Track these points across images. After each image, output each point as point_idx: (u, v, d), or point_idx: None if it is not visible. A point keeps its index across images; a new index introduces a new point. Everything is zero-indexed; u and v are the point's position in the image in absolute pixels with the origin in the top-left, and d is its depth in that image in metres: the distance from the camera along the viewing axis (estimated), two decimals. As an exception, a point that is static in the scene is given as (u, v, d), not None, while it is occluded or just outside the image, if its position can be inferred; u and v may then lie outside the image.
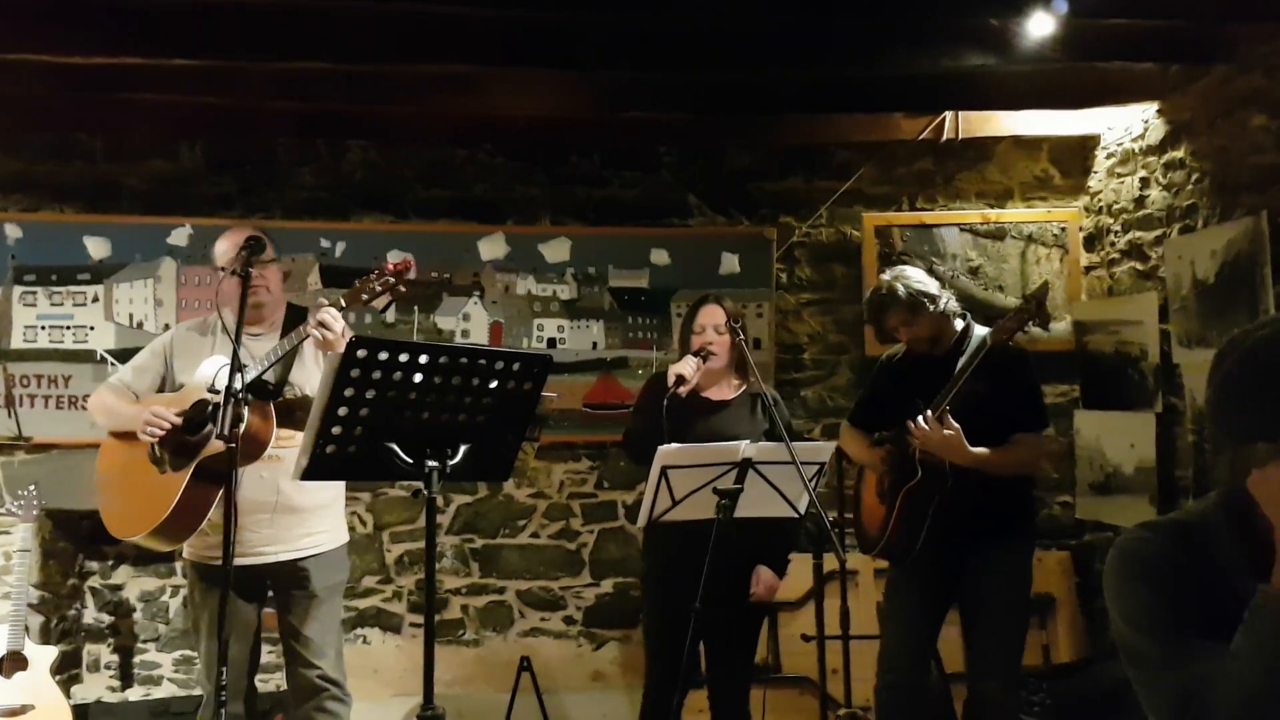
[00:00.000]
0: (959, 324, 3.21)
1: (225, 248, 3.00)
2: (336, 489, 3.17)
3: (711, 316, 3.20)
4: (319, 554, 3.05)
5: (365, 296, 2.84)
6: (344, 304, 2.82)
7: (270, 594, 3.09)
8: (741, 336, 3.18)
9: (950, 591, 3.18)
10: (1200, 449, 3.83)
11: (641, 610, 3.60)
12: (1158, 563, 1.35)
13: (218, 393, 2.73)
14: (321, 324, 2.74)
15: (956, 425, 2.97)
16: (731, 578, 3.02)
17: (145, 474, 2.87)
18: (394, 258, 3.05)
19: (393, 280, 2.81)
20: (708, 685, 3.24)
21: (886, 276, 3.21)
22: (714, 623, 2.93)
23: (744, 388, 3.26)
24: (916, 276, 3.18)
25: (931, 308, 3.11)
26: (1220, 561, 1.28)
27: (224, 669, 2.47)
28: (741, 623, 3.07)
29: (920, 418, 3.01)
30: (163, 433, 2.83)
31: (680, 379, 3.06)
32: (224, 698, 2.47)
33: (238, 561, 2.84)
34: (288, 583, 3.03)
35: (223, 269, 2.94)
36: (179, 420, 2.84)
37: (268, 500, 2.94)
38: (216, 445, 2.68)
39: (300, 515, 3.01)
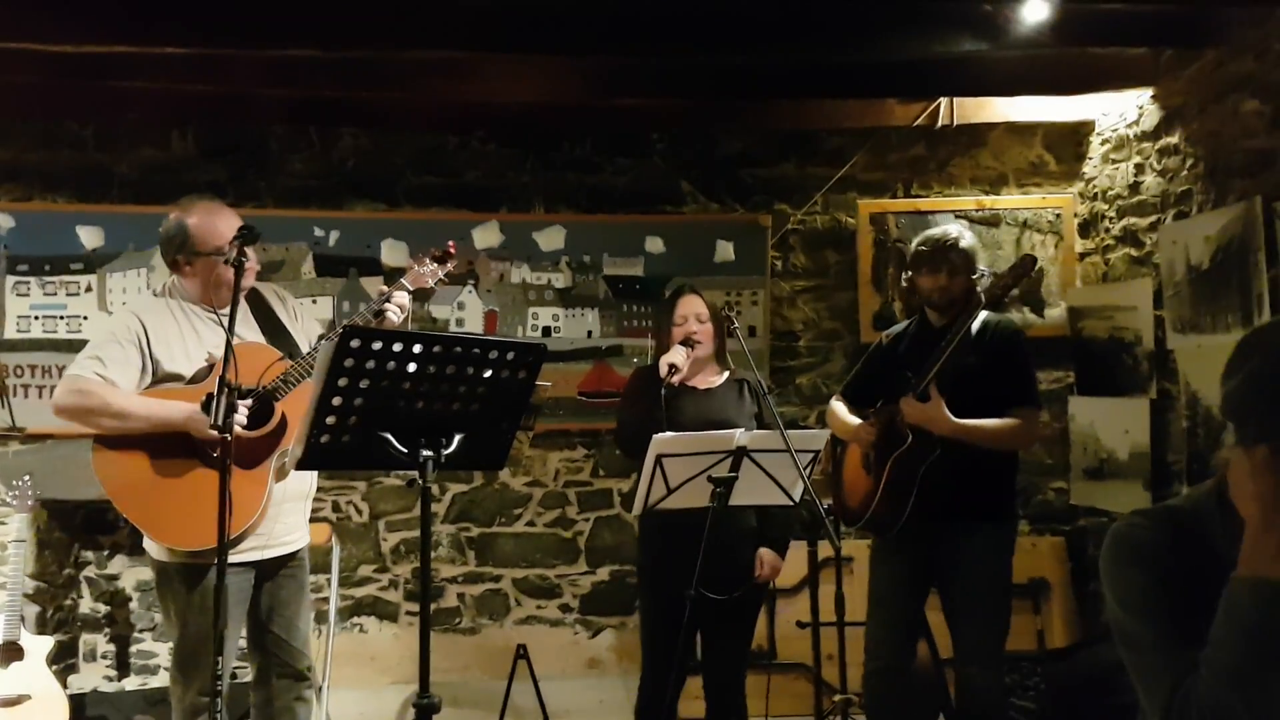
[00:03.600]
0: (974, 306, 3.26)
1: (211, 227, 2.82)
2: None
3: (692, 306, 3.25)
4: (306, 543, 3.03)
5: (422, 270, 2.93)
6: (409, 287, 2.89)
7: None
8: (735, 325, 3.22)
9: (930, 575, 3.20)
10: (1194, 434, 3.84)
11: (638, 599, 3.61)
12: (1153, 548, 1.36)
13: (290, 374, 2.72)
14: (400, 305, 2.82)
15: (937, 395, 3.02)
16: (727, 563, 3.03)
17: (205, 477, 2.64)
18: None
19: (443, 260, 2.95)
20: (703, 672, 3.25)
21: (953, 229, 3.34)
22: (711, 609, 2.94)
23: (727, 374, 3.31)
24: (977, 242, 3.33)
25: (975, 275, 3.21)
26: (1214, 549, 1.29)
27: (219, 657, 2.36)
28: (738, 608, 3.08)
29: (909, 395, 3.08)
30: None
31: (673, 368, 3.08)
32: (219, 706, 2.36)
33: (268, 554, 2.83)
34: (288, 572, 2.93)
35: (214, 253, 2.78)
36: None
37: (302, 488, 2.90)
38: (290, 436, 2.68)
39: (308, 502, 3.01)
